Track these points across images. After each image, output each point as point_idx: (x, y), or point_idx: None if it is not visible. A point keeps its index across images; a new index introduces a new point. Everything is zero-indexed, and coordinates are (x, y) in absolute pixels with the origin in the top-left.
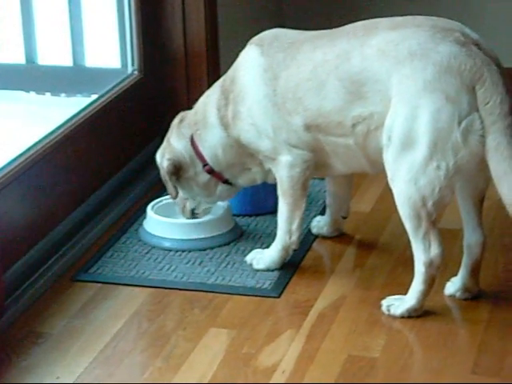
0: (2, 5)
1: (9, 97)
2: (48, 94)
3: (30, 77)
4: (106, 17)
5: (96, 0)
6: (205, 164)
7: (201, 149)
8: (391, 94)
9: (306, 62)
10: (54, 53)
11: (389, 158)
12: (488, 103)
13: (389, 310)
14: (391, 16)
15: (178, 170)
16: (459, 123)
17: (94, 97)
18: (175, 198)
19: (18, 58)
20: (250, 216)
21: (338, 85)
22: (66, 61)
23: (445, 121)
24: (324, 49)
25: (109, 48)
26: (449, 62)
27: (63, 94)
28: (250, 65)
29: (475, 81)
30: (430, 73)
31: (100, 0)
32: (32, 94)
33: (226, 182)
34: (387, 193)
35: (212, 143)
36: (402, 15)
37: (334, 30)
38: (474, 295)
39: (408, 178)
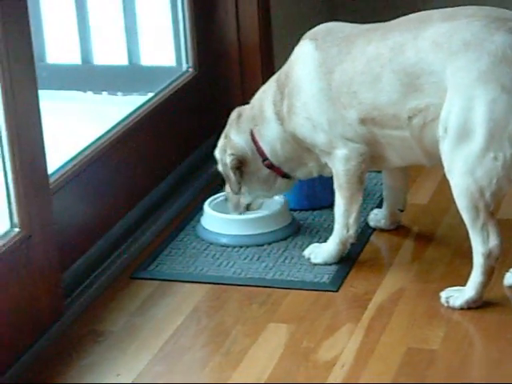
0: (57, 6)
1: (66, 96)
2: (105, 93)
3: (86, 77)
4: (160, 15)
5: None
6: (265, 158)
7: (260, 143)
8: (446, 86)
9: (359, 56)
10: (110, 52)
11: (445, 150)
12: None
13: (448, 302)
14: (443, 7)
15: (240, 164)
16: None
17: (150, 95)
18: (237, 192)
19: (74, 58)
20: (307, 210)
21: (393, 78)
22: (122, 60)
23: (501, 111)
24: (377, 42)
25: (164, 46)
26: (504, 52)
27: (120, 93)
28: (305, 59)
29: None
30: (484, 63)
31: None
32: (89, 93)
33: (284, 175)
34: (444, 185)
35: (270, 138)
36: (453, 6)
37: (386, 23)
38: None
39: (465, 170)
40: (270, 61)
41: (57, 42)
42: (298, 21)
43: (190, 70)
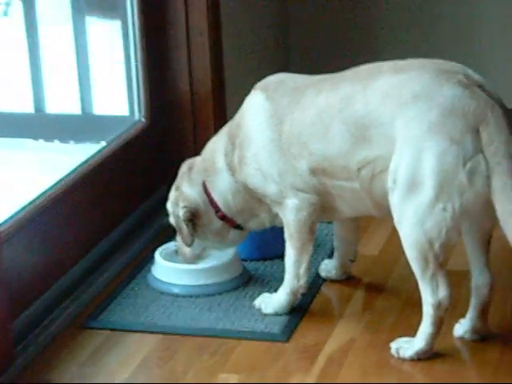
0: (10, 55)
1: (18, 145)
2: (57, 142)
3: (38, 125)
4: (113, 64)
5: (103, 49)
6: (217, 210)
7: (213, 195)
8: (395, 137)
9: (310, 107)
10: (63, 101)
11: (394, 201)
12: (492, 144)
13: (398, 353)
14: (395, 59)
15: (194, 216)
16: (464, 165)
17: (103, 144)
18: (190, 245)
19: (26, 107)
20: (259, 260)
21: (343, 129)
22: (75, 109)
23: (450, 163)
24: (328, 93)
25: (117, 96)
26: (453, 104)
27: (72, 142)
28: (256, 110)
29: (479, 122)
30: (434, 115)
31: (107, 49)
32: (41, 141)
33: (237, 226)
34: (395, 236)
35: (222, 189)
36: (404, 58)
37: (337, 74)
38: (483, 337)
39: (414, 221)
40: (222, 112)
41: (10, 91)
42: (251, 71)
43: (143, 120)
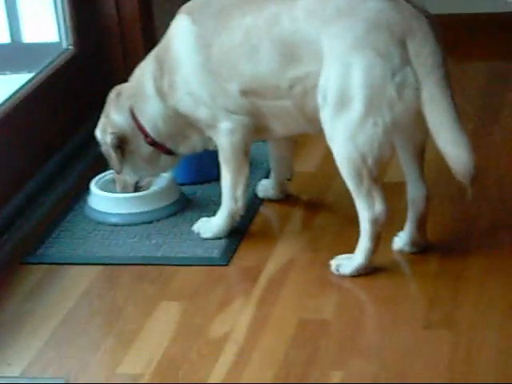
0: None
1: None
2: None
3: None
4: None
5: None
6: (146, 136)
7: (141, 121)
8: (323, 54)
9: (237, 28)
10: None
11: (325, 118)
12: (420, 56)
13: (338, 270)
14: None
15: (121, 143)
16: (393, 78)
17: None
18: (120, 172)
19: None
20: (196, 184)
21: (271, 48)
22: (3, 38)
23: (378, 77)
24: (254, 14)
25: (45, 23)
26: (377, 18)
27: (7, 72)
28: (182, 34)
29: (405, 34)
30: (359, 30)
31: None
32: None
33: (168, 152)
34: (331, 152)
35: (151, 115)
36: None
37: None
38: (422, 248)
39: (346, 137)
40: (151, 36)
41: None
42: None
43: (70, 47)
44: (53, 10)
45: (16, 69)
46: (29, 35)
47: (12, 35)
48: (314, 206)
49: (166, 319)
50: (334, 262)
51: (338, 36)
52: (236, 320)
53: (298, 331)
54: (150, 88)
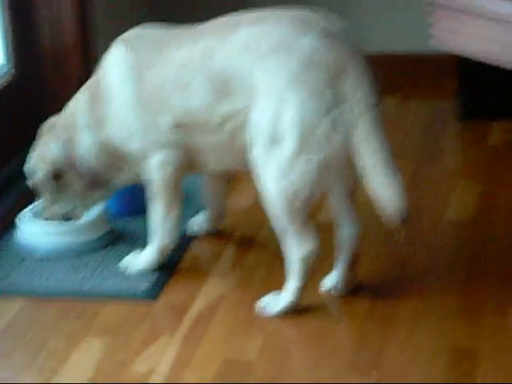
0: None
1: None
2: None
3: None
4: None
5: None
6: (80, 168)
7: (75, 153)
8: (256, 90)
9: (170, 61)
10: None
11: (256, 155)
12: (353, 95)
13: (266, 309)
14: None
15: (55, 176)
16: (325, 116)
17: None
18: (52, 205)
19: None
20: (129, 216)
21: (203, 83)
22: None
23: (311, 114)
24: (188, 46)
25: None
26: (312, 56)
27: None
28: (116, 64)
29: (339, 73)
30: (293, 67)
31: None
32: None
33: (101, 184)
34: None
35: (85, 147)
36: (270, 7)
37: (198, 26)
38: (352, 289)
39: (278, 175)
40: (87, 66)
41: None
42: (123, 25)
43: (11, 70)
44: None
45: None
46: None
47: None
48: (246, 243)
49: (88, 355)
50: (261, 302)
51: (272, 71)
52: (160, 357)
53: (222, 371)
54: (83, 120)
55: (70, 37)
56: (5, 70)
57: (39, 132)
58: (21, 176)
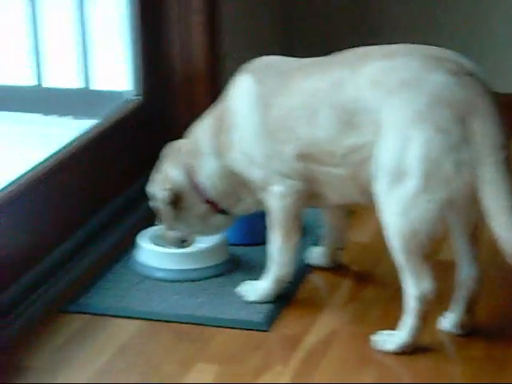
0: (10, 27)
1: (15, 118)
2: (55, 116)
3: (37, 99)
4: (111, 40)
5: (102, 24)
6: (201, 194)
7: (197, 178)
8: (382, 125)
9: (298, 91)
10: (62, 75)
11: (379, 190)
12: (481, 135)
13: (380, 346)
14: (393, 43)
15: (176, 200)
16: (451, 155)
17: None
18: (171, 228)
19: (26, 80)
20: (247, 246)
21: (330, 114)
22: (74, 83)
23: (436, 152)
24: (316, 77)
25: (115, 71)
26: (440, 93)
27: (71, 116)
28: (242, 93)
29: (468, 112)
30: (421, 103)
31: (106, 23)
32: (39, 115)
33: (222, 211)
34: None
35: (207, 172)
36: (401, 43)
37: (326, 57)
38: (468, 331)
39: (399, 211)
40: (216, 93)
41: (10, 64)
42: (250, 51)
43: (137, 97)
44: (124, 58)
45: (82, 114)
46: (100, 81)
47: (82, 81)
48: (363, 278)
49: (200, 381)
50: (377, 338)
51: (399, 107)
52: None
53: None
54: (206, 146)
55: (198, 64)
56: (132, 96)
57: (162, 155)
58: (143, 198)
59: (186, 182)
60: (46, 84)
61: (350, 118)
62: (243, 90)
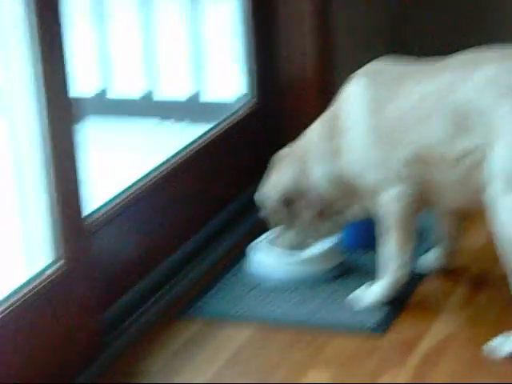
0: (121, 44)
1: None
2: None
3: (153, 106)
4: (223, 47)
5: (215, 31)
6: (310, 197)
7: (307, 182)
8: (496, 128)
9: (410, 95)
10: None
11: (492, 195)
12: None
13: (496, 351)
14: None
15: (286, 203)
16: None
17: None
18: (290, 228)
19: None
20: (361, 250)
21: (443, 117)
22: (185, 93)
23: None
24: (428, 81)
25: (229, 79)
26: None
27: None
28: (355, 97)
29: None
30: None
31: (218, 30)
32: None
33: (330, 216)
34: None
35: (317, 177)
36: None
37: (437, 61)
38: None
39: (510, 217)
40: (325, 98)
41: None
42: (365, 55)
43: (253, 101)
44: (236, 64)
45: (195, 119)
46: (212, 88)
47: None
48: (478, 283)
49: None
50: (493, 342)
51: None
52: None
53: None
54: (318, 150)
55: (311, 69)
56: (247, 99)
57: (273, 160)
58: (255, 205)
59: (295, 186)
60: (159, 92)
61: (463, 121)
62: (356, 95)
